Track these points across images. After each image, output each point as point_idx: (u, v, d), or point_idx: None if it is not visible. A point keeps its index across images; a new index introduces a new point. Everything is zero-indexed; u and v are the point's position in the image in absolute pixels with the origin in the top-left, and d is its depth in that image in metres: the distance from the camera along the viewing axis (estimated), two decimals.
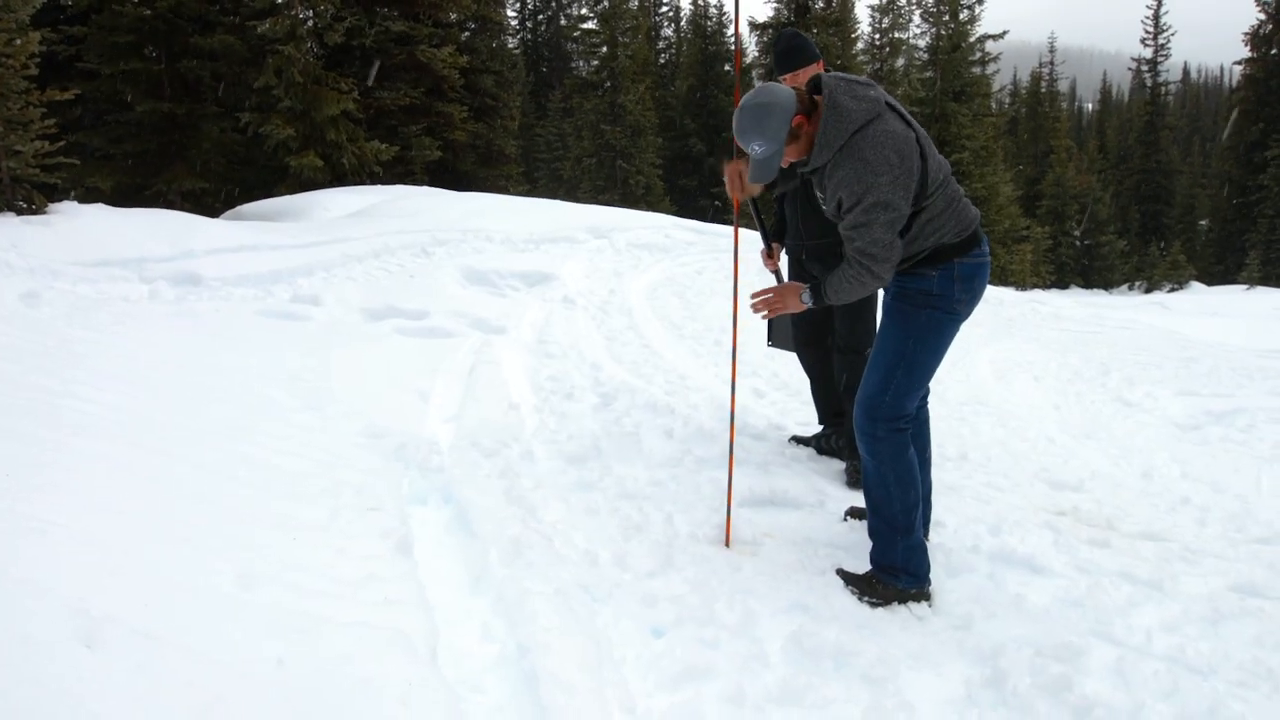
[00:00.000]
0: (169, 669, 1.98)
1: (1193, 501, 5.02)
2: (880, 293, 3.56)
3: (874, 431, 3.30)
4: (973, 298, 3.29)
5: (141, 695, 1.85)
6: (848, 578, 3.42)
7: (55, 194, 8.65)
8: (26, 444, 3.06)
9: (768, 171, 3.12)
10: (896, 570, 3.32)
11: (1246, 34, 39.40)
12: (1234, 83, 48.61)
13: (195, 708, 1.89)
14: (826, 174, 3.11)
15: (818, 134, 3.05)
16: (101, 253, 7.04)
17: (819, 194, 3.28)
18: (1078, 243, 37.03)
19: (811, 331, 4.80)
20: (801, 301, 3.38)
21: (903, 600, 3.30)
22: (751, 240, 13.16)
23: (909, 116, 3.15)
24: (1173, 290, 30.47)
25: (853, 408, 4.40)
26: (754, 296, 3.52)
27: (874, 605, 3.29)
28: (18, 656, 1.81)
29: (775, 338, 5.14)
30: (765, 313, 3.53)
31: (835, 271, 3.21)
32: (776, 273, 4.66)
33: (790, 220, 4.65)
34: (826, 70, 4.32)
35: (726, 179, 3.61)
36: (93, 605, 2.07)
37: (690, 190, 40.00)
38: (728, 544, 3.65)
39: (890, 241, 3.04)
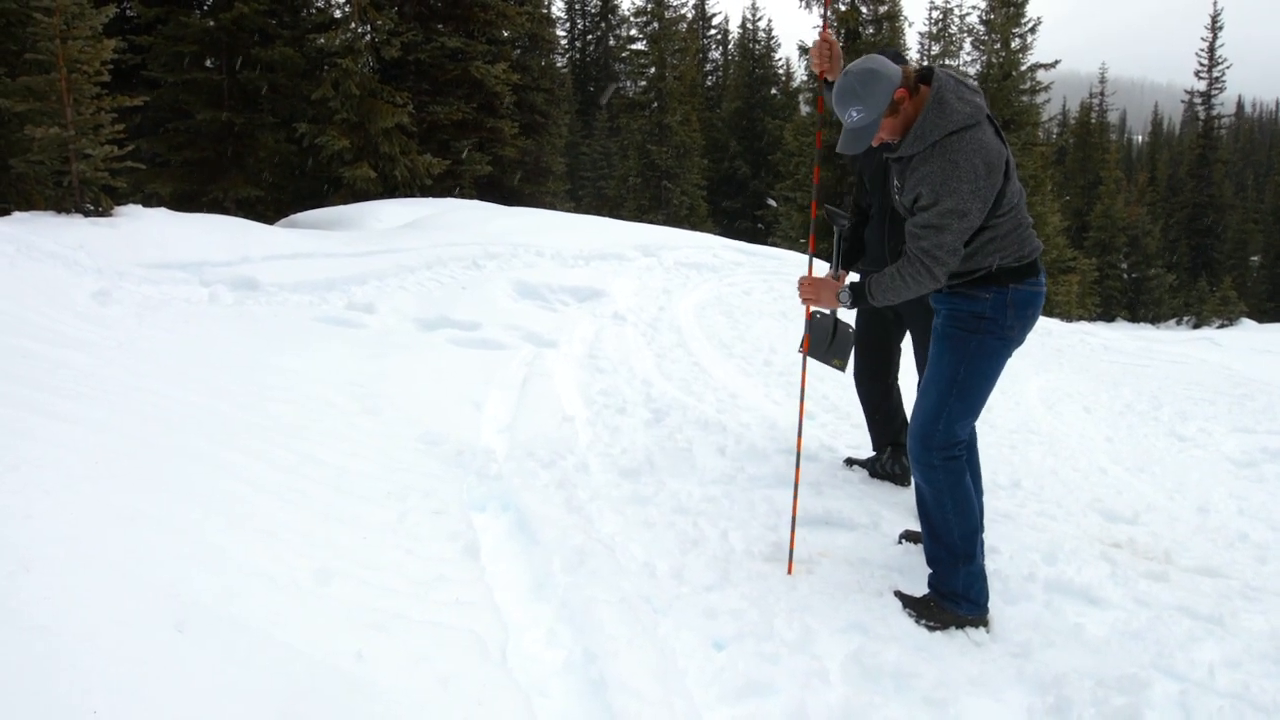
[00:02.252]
0: (256, 655, 2.03)
1: (1251, 539, 4.95)
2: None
3: (929, 460, 3.28)
4: (1025, 325, 3.26)
5: (232, 679, 1.91)
6: (906, 600, 3.41)
7: (119, 198, 8.85)
8: (110, 434, 3.15)
9: (860, 142, 3.05)
10: (957, 597, 3.30)
11: None
12: None
13: (282, 695, 1.94)
14: (912, 166, 3.09)
15: (915, 123, 3.02)
16: (164, 255, 7.21)
17: (896, 183, 3.23)
18: (1125, 275, 36.55)
19: (877, 366, 4.75)
20: (838, 300, 3.37)
21: (960, 626, 3.29)
22: (798, 263, 13.15)
23: (1002, 133, 3.12)
24: (1223, 326, 29.96)
25: None
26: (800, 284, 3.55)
27: (931, 629, 3.28)
28: (113, 637, 1.87)
29: (811, 348, 4.88)
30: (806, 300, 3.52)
31: (885, 270, 3.19)
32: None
33: (872, 244, 4.51)
34: None
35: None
36: (182, 591, 2.13)
37: (734, 212, 40.07)
38: (790, 571, 3.64)
39: (957, 248, 3.02)
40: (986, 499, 4.57)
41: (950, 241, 3.00)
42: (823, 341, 4.75)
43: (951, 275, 3.17)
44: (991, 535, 4.29)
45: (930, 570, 3.42)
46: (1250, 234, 45.89)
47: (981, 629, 3.31)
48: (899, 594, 3.46)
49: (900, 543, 4.04)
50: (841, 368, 4.77)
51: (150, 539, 2.41)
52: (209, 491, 2.98)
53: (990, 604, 3.51)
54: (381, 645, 2.29)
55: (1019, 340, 3.30)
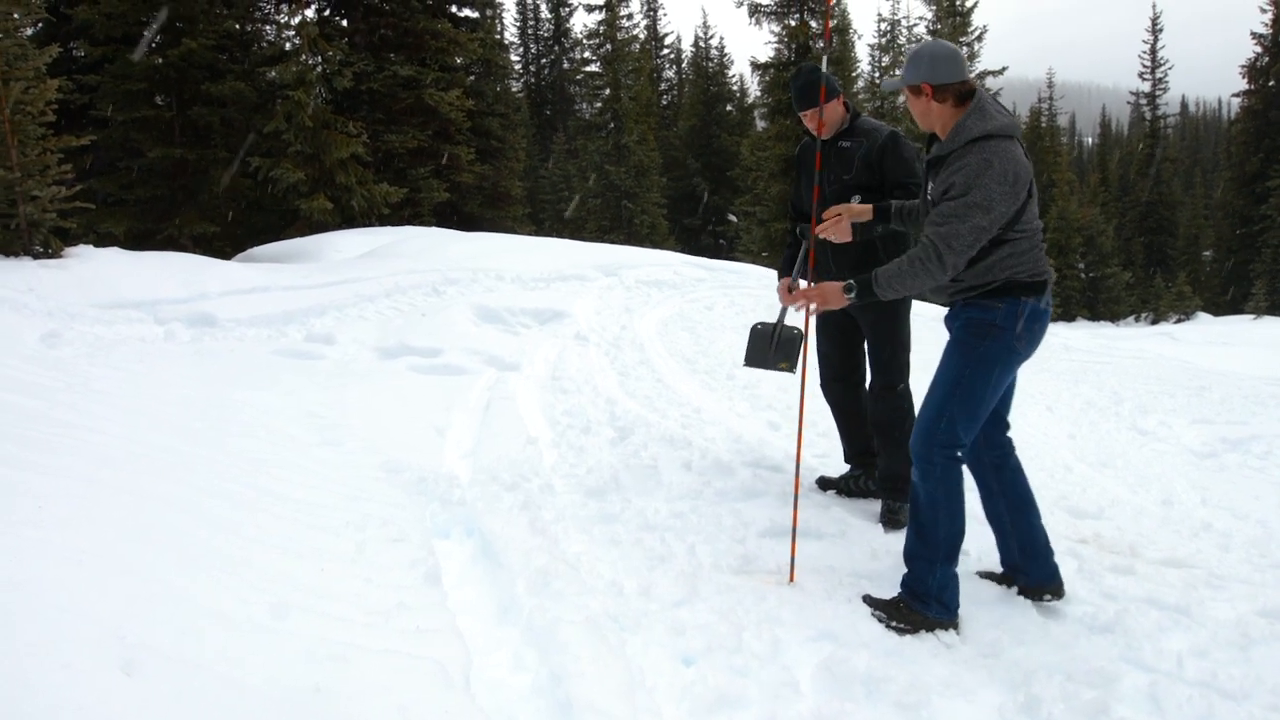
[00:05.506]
0: (207, 696, 1.98)
1: (1215, 528, 5.00)
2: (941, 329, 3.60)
3: (929, 457, 3.32)
4: (1032, 340, 3.34)
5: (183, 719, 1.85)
6: (876, 603, 3.40)
7: (70, 239, 8.72)
8: (60, 476, 3.08)
9: (889, 83, 3.42)
10: (928, 598, 3.30)
11: (1243, 67, 39.76)
12: (1232, 115, 48.99)
13: None
14: (947, 163, 3.22)
15: (958, 122, 3.20)
16: (117, 295, 7.11)
17: (930, 185, 3.37)
18: (1083, 274, 37.06)
19: (839, 367, 4.74)
20: (845, 296, 3.40)
21: (930, 629, 3.28)
22: (759, 276, 13.20)
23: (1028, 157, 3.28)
24: (1179, 321, 30.45)
25: (884, 445, 4.42)
26: (795, 297, 3.68)
27: (901, 633, 3.27)
28: (58, 682, 1.81)
29: (751, 358, 4.92)
30: (812, 306, 3.60)
31: (895, 261, 3.28)
32: (785, 309, 4.59)
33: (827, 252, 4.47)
34: (847, 105, 4.38)
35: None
36: (130, 632, 2.07)
37: (694, 229, 40.26)
38: (791, 578, 3.62)
39: (971, 242, 3.12)
40: None
41: (966, 233, 3.11)
42: (763, 348, 4.80)
43: (969, 287, 3.29)
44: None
45: (906, 569, 3.41)
46: (1201, 229, 46.79)
47: (951, 631, 3.31)
48: (868, 598, 3.45)
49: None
50: (790, 369, 4.69)
51: (98, 580, 2.34)
52: (161, 530, 2.91)
53: (960, 606, 3.52)
54: (340, 677, 2.24)
55: (1025, 354, 3.37)
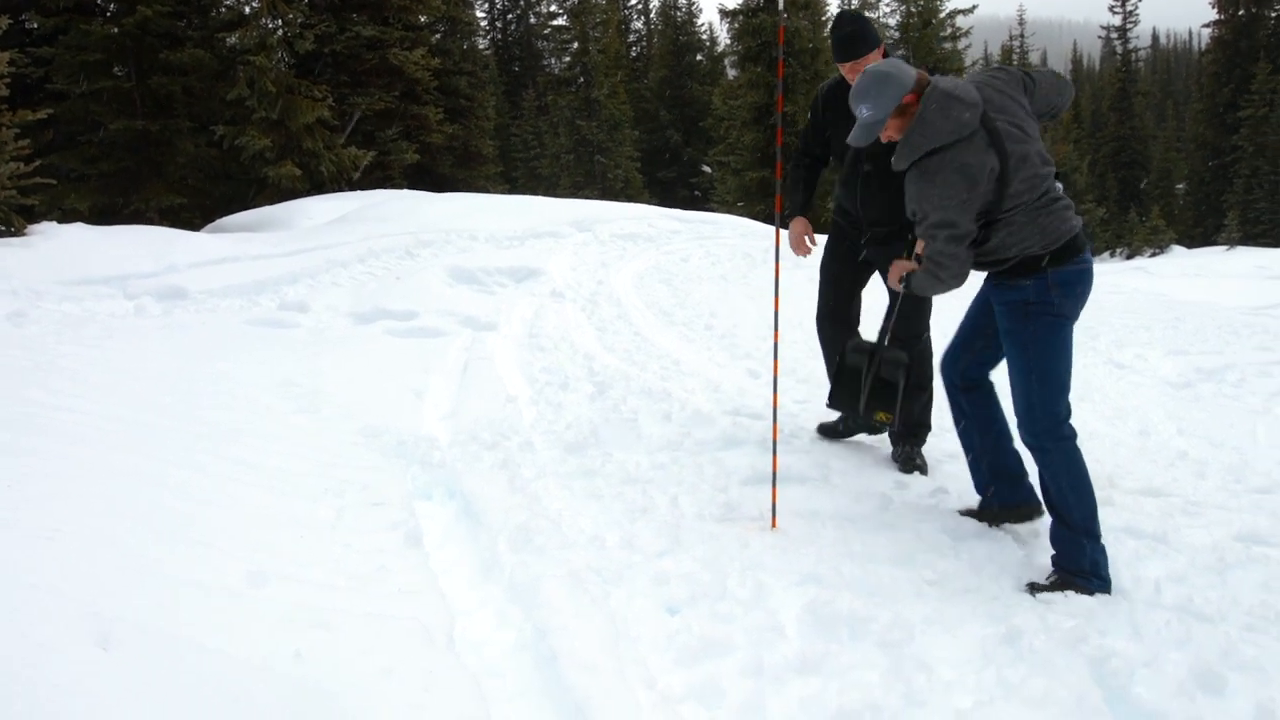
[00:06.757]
0: (186, 667, 1.96)
1: (1190, 456, 5.06)
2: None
3: (1041, 444, 3.34)
4: (1076, 302, 3.32)
5: (160, 694, 1.84)
6: (1040, 588, 3.26)
7: (33, 216, 8.56)
8: (26, 455, 3.03)
9: (867, 136, 3.23)
10: (1087, 574, 3.25)
11: None
12: (1203, 45, 48.89)
13: (216, 703, 1.88)
14: (906, 179, 3.24)
15: (902, 137, 3.18)
16: (84, 271, 6.99)
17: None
18: None
19: (835, 307, 4.53)
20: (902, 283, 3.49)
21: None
22: (733, 226, 13.13)
23: (1006, 132, 3.13)
24: (1154, 255, 30.64)
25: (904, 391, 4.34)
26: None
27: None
28: (33, 660, 1.79)
29: (839, 398, 4.07)
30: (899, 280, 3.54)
31: (917, 274, 3.38)
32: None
33: (856, 199, 4.30)
34: (887, 53, 4.06)
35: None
36: (105, 607, 2.05)
37: (669, 182, 40.01)
38: (774, 525, 3.64)
39: (954, 253, 3.18)
40: (934, 440, 4.61)
41: (944, 248, 3.17)
42: (855, 389, 3.85)
43: (985, 264, 3.33)
44: (939, 476, 4.34)
45: (1054, 550, 3.36)
46: (1174, 163, 46.92)
47: (933, 569, 3.32)
48: (1032, 585, 3.27)
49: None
50: (888, 422, 3.89)
51: (71, 557, 2.32)
52: (134, 504, 2.88)
53: (940, 543, 3.56)
54: (320, 642, 2.23)
55: (1075, 315, 3.35)
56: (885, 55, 4.02)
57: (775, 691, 2.50)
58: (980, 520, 3.75)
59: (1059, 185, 3.32)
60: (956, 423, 3.77)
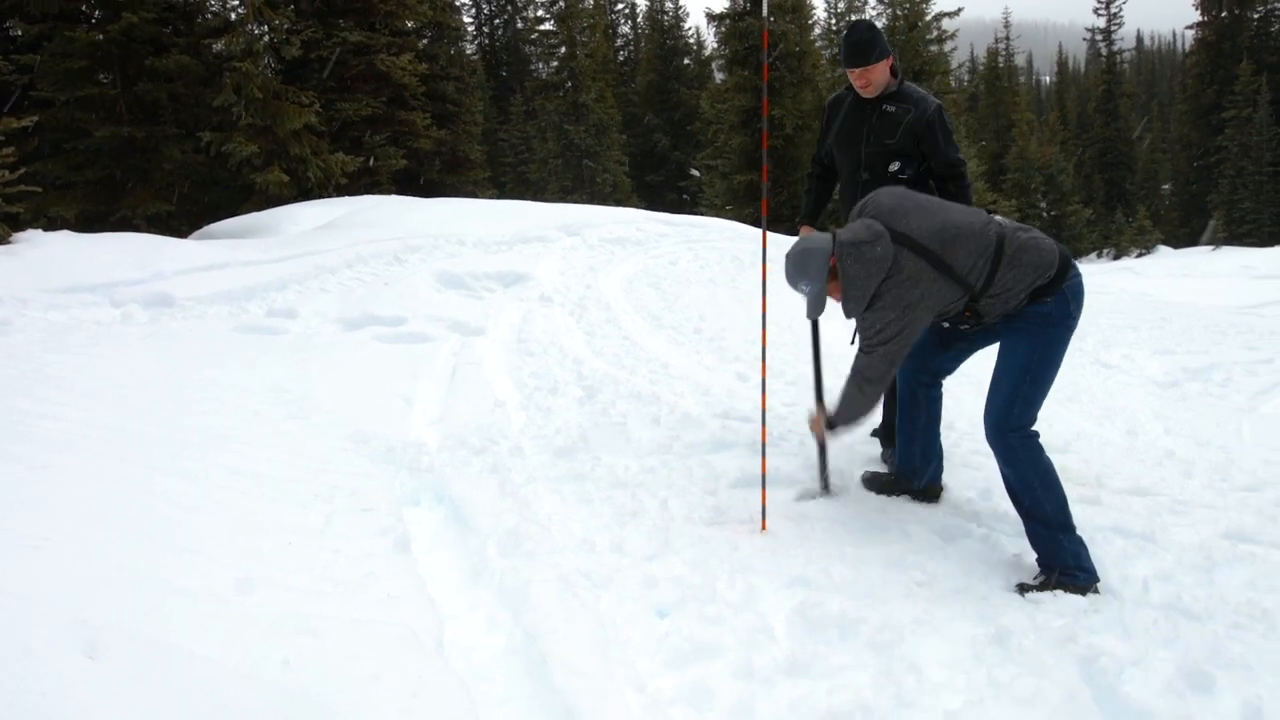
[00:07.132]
0: (173, 674, 1.96)
1: (1177, 455, 5.08)
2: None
3: (1007, 442, 3.41)
4: (1081, 310, 3.47)
5: (148, 701, 1.83)
6: (1030, 588, 3.28)
7: (19, 224, 8.51)
8: (13, 463, 3.02)
9: (820, 306, 3.51)
10: (1070, 569, 3.28)
11: None
12: (1187, 47, 49.21)
13: (204, 711, 1.87)
14: (864, 320, 3.42)
15: (842, 294, 3.38)
16: (70, 279, 6.95)
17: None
18: (1045, 213, 37.28)
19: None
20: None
21: (1083, 594, 3.22)
22: (721, 229, 13.15)
23: (918, 229, 3.31)
24: (1141, 255, 30.80)
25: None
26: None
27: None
28: (20, 669, 1.78)
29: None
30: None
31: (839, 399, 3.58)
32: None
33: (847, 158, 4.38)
34: (895, 66, 4.22)
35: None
36: (92, 615, 2.04)
37: (657, 185, 40.03)
38: (764, 527, 3.65)
39: (885, 371, 3.38)
40: None
41: (879, 365, 3.37)
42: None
43: (1010, 312, 3.42)
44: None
45: (1035, 552, 3.39)
46: (1159, 164, 47.20)
47: (923, 570, 3.33)
48: (1022, 585, 3.31)
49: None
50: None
51: (58, 565, 2.30)
52: (121, 512, 2.87)
53: (929, 543, 3.57)
54: (309, 648, 2.23)
55: (1077, 324, 3.49)
56: (893, 68, 4.19)
57: (765, 693, 2.50)
58: (893, 493, 4.06)
59: (1001, 219, 3.53)
60: (902, 411, 4.01)
